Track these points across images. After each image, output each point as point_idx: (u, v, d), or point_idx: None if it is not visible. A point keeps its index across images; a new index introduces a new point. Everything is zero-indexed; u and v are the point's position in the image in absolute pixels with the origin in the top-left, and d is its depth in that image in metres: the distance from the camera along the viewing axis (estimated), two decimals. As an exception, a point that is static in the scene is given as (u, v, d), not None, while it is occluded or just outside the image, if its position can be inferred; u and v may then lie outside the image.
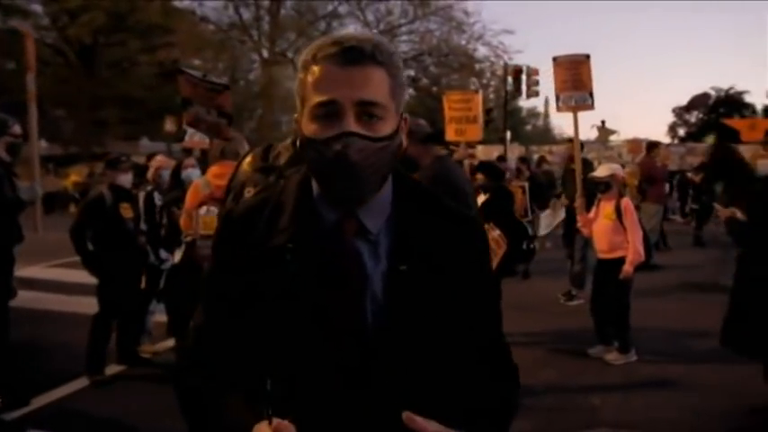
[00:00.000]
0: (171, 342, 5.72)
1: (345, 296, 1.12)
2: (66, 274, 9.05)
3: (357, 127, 1.07)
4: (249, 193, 2.83)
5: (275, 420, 0.98)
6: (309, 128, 1.12)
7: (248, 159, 3.15)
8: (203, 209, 4.19)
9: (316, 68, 1.11)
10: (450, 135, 7.43)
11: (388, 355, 1.10)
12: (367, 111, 1.09)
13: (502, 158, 11.36)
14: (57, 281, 8.43)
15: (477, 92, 7.93)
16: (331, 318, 1.10)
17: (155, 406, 4.38)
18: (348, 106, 1.07)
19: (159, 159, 6.24)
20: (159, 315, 5.85)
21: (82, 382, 4.94)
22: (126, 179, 5.37)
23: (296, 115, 1.20)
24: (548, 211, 8.53)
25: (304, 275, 1.12)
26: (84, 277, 6.25)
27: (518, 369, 1.33)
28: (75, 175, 10.61)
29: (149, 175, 5.85)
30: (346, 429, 1.10)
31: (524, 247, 6.15)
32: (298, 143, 1.17)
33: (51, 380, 4.90)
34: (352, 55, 1.08)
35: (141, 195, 5.60)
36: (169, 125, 23.42)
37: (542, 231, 8.66)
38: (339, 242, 1.15)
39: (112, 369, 5.24)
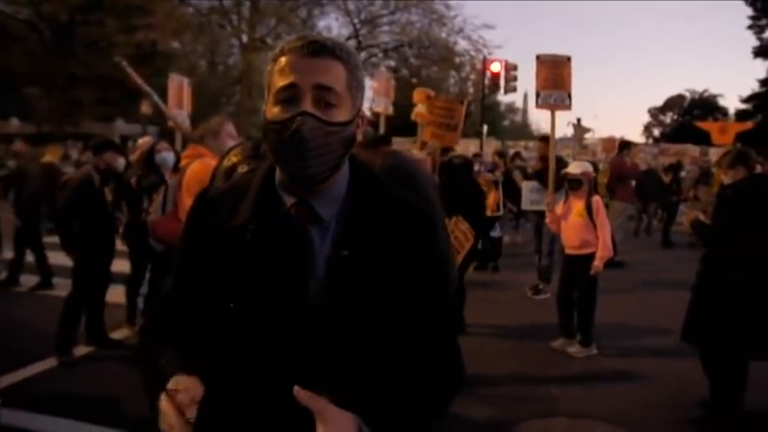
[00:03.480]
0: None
1: (289, 276, 1.22)
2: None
3: (313, 110, 1.18)
4: (243, 169, 2.93)
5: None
6: (271, 112, 1.22)
7: (236, 151, 3.20)
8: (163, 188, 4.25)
9: (282, 59, 1.23)
10: (426, 136, 7.50)
11: (324, 334, 1.20)
12: (323, 96, 1.20)
13: (478, 155, 11.41)
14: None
15: (461, 102, 7.94)
16: (276, 294, 1.21)
17: (123, 387, 4.41)
18: (306, 90, 1.19)
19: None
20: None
21: (50, 363, 4.95)
22: (120, 162, 5.43)
23: (264, 106, 1.30)
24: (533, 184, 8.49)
25: (258, 254, 1.22)
26: (54, 258, 6.26)
27: (461, 360, 1.37)
28: (50, 155, 10.34)
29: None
30: (273, 397, 1.17)
31: (479, 246, 6.27)
32: (262, 128, 1.28)
33: (19, 360, 4.90)
34: (314, 47, 1.21)
35: (134, 180, 5.69)
36: (145, 107, 23.00)
37: (524, 206, 8.79)
38: (291, 226, 1.25)
39: (81, 350, 5.26)
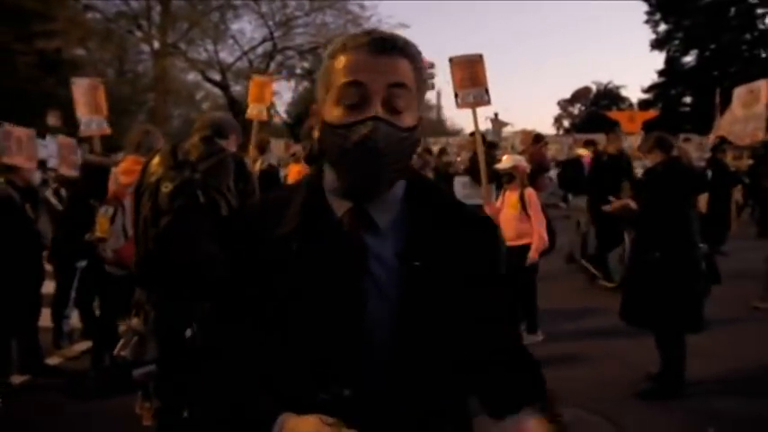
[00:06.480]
0: (84, 345, 5.54)
1: (344, 286, 1.13)
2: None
3: (384, 114, 1.09)
4: (167, 188, 2.88)
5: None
6: (333, 113, 1.11)
7: (156, 160, 3.12)
8: (104, 208, 3.99)
9: (344, 56, 1.12)
10: None
11: (393, 349, 1.12)
12: (394, 99, 1.10)
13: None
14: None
15: None
16: (331, 306, 1.12)
17: (60, 418, 4.21)
18: (376, 91, 1.09)
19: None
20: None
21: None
22: (36, 175, 5.13)
23: (314, 105, 1.21)
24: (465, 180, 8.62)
25: (308, 264, 1.13)
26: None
27: (540, 364, 1.31)
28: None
29: None
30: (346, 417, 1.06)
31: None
32: (317, 131, 1.18)
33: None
34: (383, 45, 1.10)
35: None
36: (53, 119, 21.86)
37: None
38: (345, 234, 1.16)
39: (15, 379, 4.94)
